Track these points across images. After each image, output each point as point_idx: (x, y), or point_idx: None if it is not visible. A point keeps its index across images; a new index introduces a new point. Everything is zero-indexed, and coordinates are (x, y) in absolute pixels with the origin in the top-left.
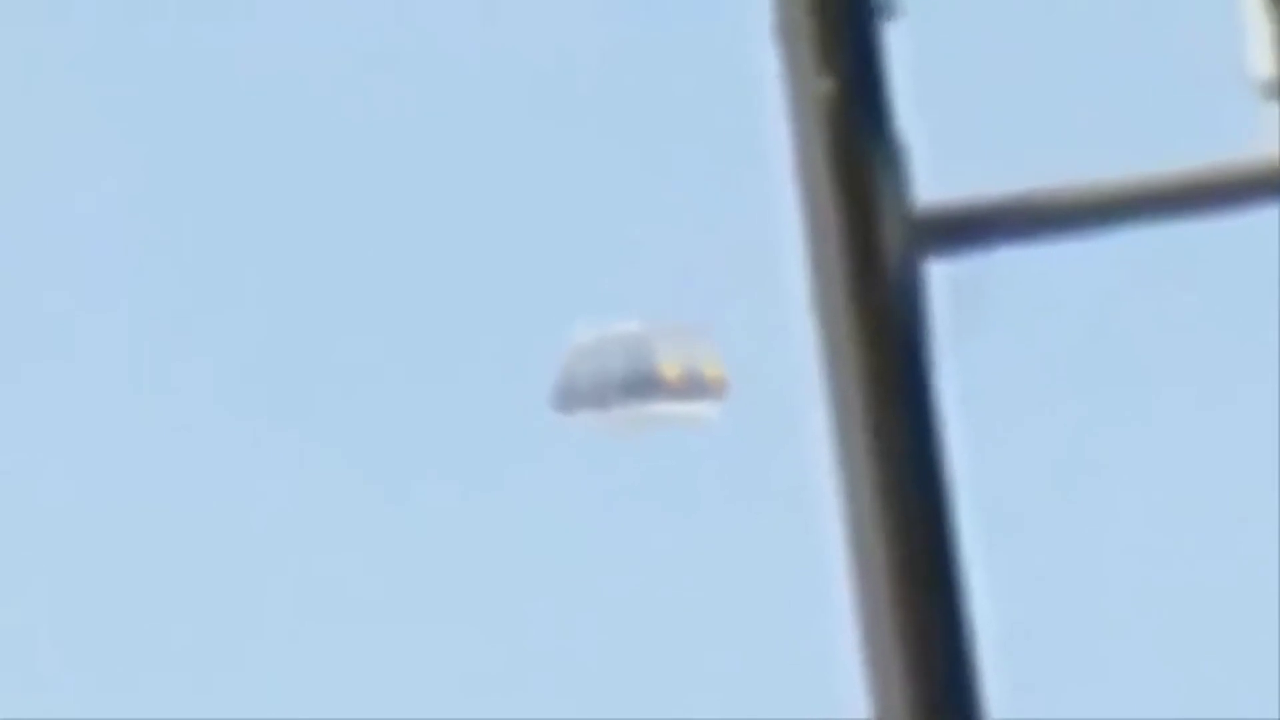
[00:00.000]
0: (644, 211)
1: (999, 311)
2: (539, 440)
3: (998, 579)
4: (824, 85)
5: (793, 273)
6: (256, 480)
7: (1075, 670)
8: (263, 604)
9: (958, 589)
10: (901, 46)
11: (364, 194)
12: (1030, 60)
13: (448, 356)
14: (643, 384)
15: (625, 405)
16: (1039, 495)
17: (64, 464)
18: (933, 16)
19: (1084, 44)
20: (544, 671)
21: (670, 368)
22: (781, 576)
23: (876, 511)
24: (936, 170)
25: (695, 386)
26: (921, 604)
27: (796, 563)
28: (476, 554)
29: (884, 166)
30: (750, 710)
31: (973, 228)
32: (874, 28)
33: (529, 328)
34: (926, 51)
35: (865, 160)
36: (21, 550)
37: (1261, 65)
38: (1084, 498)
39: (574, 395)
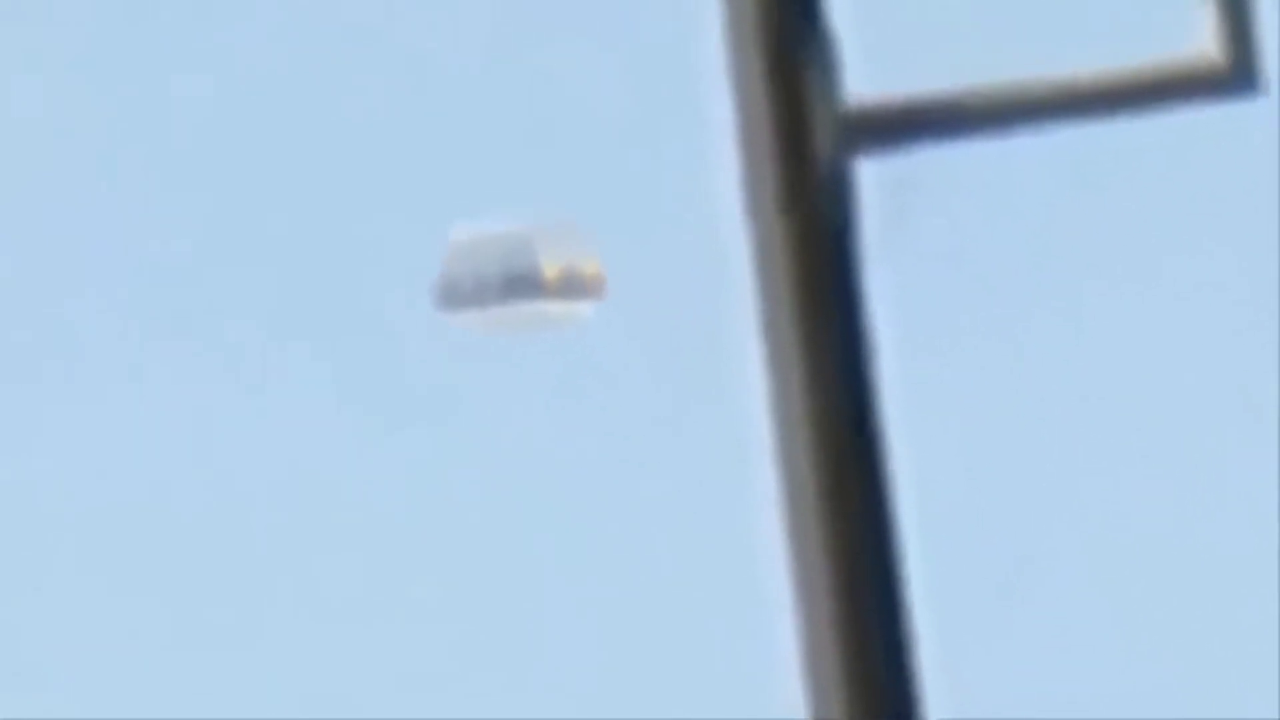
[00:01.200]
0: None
1: (929, 211)
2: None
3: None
4: None
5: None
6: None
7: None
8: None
9: (883, 486)
10: None
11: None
12: None
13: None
14: (523, 283)
15: (506, 304)
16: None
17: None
18: None
19: None
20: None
21: (551, 267)
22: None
23: (805, 413)
24: (868, 68)
25: (575, 286)
26: (847, 504)
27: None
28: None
29: (816, 64)
30: (636, 632)
31: (904, 126)
32: None
33: (410, 224)
34: None
35: (797, 58)
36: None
37: None
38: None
39: (454, 294)
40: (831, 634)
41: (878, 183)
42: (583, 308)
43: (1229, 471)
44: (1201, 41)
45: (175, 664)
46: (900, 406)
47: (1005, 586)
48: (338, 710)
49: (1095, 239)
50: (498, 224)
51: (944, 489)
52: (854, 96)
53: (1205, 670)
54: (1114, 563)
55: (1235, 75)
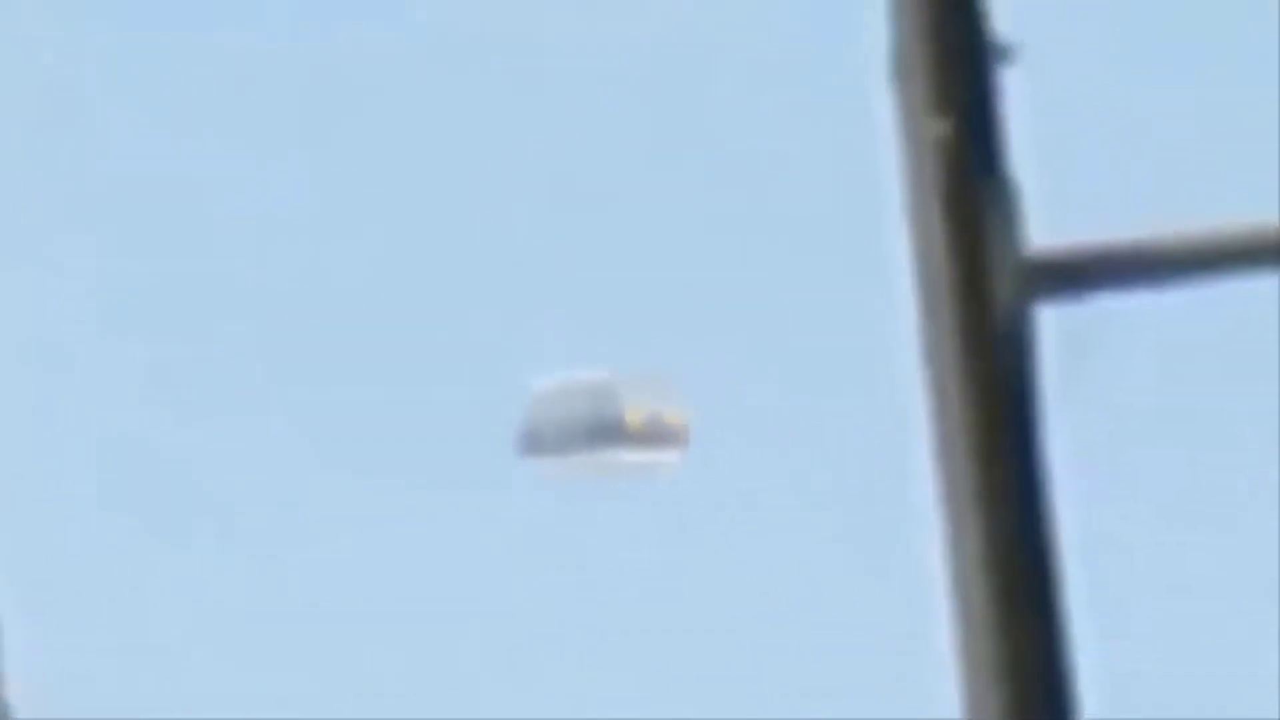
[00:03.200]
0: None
1: (1108, 359)
2: (503, 483)
3: (1102, 627)
4: (938, 127)
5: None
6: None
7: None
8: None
9: (1061, 636)
10: (1016, 90)
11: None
12: (1147, 105)
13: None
14: (607, 431)
15: (589, 452)
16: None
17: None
18: (1047, 60)
19: (1202, 90)
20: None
21: (635, 414)
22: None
23: (981, 556)
24: (1048, 216)
25: (658, 434)
26: (1027, 654)
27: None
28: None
29: (996, 210)
30: None
31: (1084, 274)
32: (990, 69)
33: (491, 373)
34: (1041, 95)
35: (977, 203)
36: None
37: None
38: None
39: (538, 441)
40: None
41: (1056, 330)
42: (667, 456)
43: None
44: None
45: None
46: (1076, 552)
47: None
48: None
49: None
50: (582, 372)
51: (1123, 640)
52: (1034, 243)
53: None
54: None
55: None
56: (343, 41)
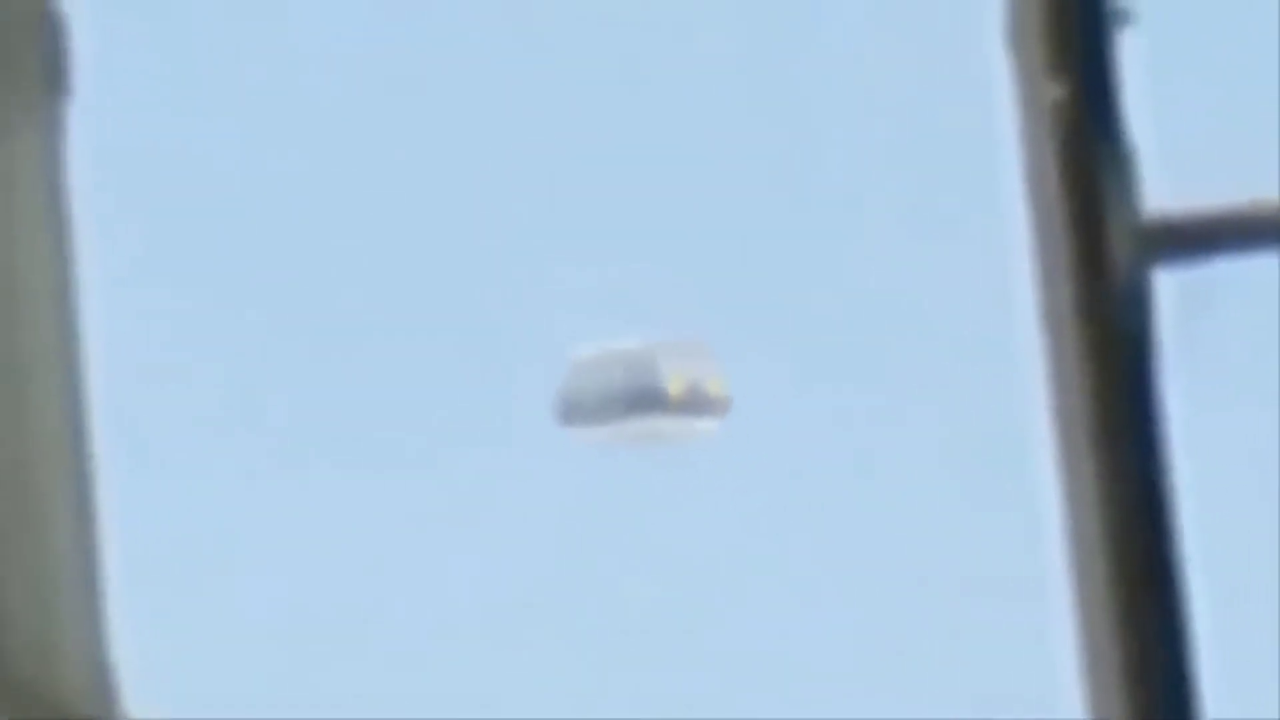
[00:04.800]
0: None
1: (1227, 323)
2: (541, 450)
3: (1215, 592)
4: (1056, 90)
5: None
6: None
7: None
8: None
9: (1180, 602)
10: (1134, 53)
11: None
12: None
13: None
14: (647, 399)
15: (629, 420)
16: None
17: None
18: (1166, 21)
19: None
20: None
21: (675, 383)
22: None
23: (1098, 521)
24: (1166, 179)
25: (699, 402)
26: (1142, 615)
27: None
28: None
29: (1113, 174)
30: None
31: (1202, 237)
32: (1107, 33)
33: (531, 341)
34: (1159, 57)
35: (1095, 167)
36: None
37: None
38: None
39: (578, 409)
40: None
41: (1174, 294)
42: (706, 424)
43: None
44: None
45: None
46: (1193, 515)
47: None
48: None
49: None
50: (621, 341)
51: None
52: (1152, 207)
53: None
54: None
55: None
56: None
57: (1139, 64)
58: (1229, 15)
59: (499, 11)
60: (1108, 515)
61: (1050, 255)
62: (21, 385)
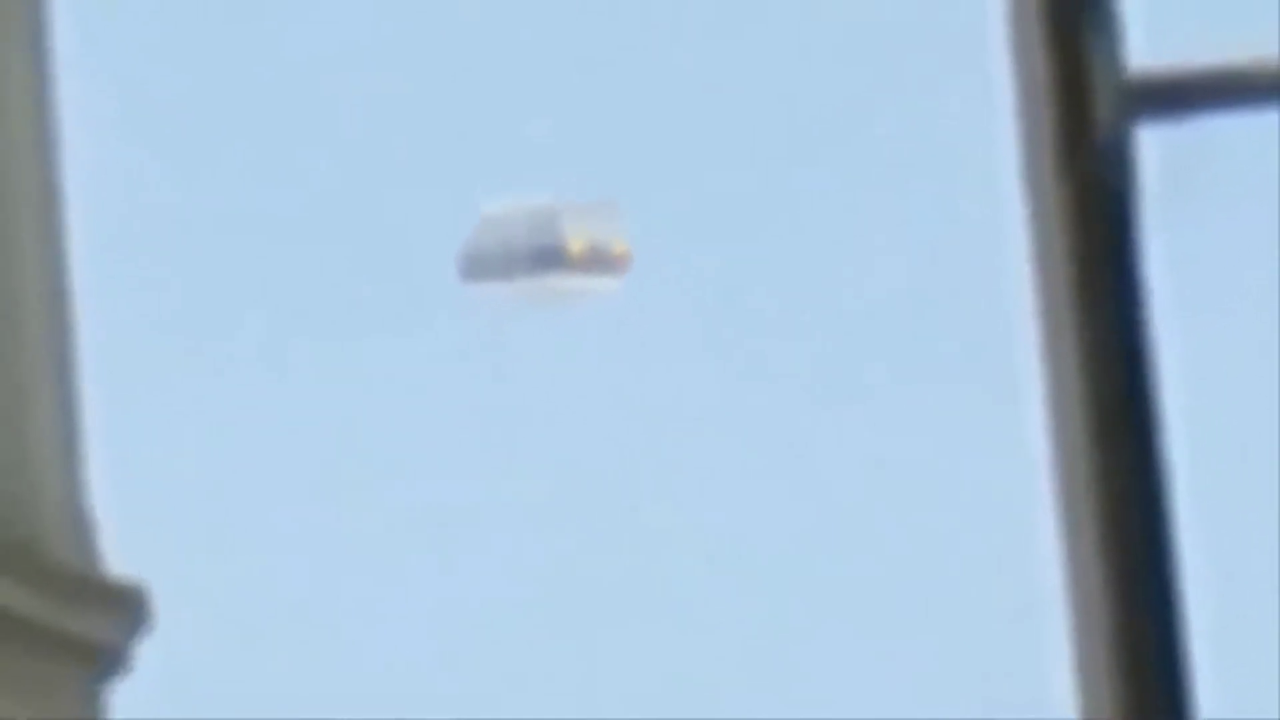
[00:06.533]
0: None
1: (1211, 182)
2: (443, 306)
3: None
4: None
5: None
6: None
7: None
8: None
9: (1157, 457)
10: None
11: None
12: None
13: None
14: (548, 257)
15: (530, 277)
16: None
17: None
18: None
19: None
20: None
21: (576, 242)
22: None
23: (1079, 379)
24: (1150, 36)
25: (600, 261)
26: (1120, 479)
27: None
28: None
29: (1098, 31)
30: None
31: (1186, 95)
32: None
33: (440, 196)
34: None
35: (1079, 23)
36: None
37: None
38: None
39: (480, 265)
40: (1104, 626)
41: (1157, 151)
42: (607, 283)
43: None
44: None
45: None
46: (1175, 373)
47: None
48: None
49: None
50: (527, 198)
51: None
52: (1136, 64)
53: None
54: None
55: None
56: None
57: None
58: None
59: None
60: (1088, 369)
61: (1033, 111)
62: (5, 258)
